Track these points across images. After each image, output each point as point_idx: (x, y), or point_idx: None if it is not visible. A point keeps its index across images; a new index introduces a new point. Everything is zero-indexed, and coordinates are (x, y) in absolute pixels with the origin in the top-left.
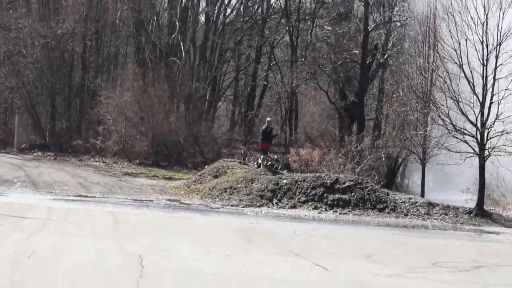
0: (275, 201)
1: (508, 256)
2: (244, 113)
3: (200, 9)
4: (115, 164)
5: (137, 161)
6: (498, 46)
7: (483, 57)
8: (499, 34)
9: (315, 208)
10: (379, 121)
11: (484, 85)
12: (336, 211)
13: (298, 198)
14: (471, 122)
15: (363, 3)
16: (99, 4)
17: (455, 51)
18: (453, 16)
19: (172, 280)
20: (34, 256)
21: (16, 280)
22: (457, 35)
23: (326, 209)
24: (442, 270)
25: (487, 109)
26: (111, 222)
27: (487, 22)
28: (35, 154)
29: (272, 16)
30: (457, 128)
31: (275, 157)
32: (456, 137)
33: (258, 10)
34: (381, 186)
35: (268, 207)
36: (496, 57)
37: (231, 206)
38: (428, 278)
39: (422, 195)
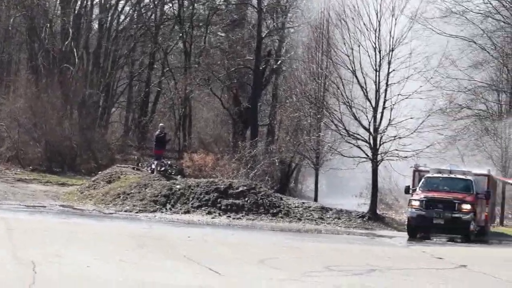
0: (168, 206)
1: (400, 259)
2: (137, 119)
3: (93, 16)
4: (8, 171)
5: (31, 167)
6: (390, 52)
7: (375, 63)
8: (391, 40)
9: (209, 213)
10: (273, 126)
11: (377, 90)
12: (229, 216)
13: (192, 204)
14: (364, 127)
15: (256, 10)
16: None
17: (348, 57)
18: (346, 23)
19: (66, 287)
20: None
21: None
22: (350, 41)
23: (219, 214)
24: (335, 274)
25: (380, 114)
26: (4, 228)
27: (379, 29)
28: None
29: (166, 23)
30: (350, 133)
31: (169, 162)
32: (349, 142)
33: (152, 17)
34: (274, 191)
35: (162, 212)
36: (389, 63)
37: (125, 211)
38: (321, 282)
39: (316, 199)
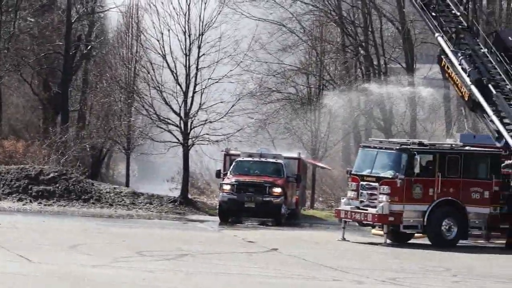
0: None
1: (212, 244)
2: None
3: None
4: None
5: None
6: (200, 36)
7: (185, 47)
8: (201, 24)
9: (20, 200)
10: (84, 112)
11: (187, 74)
12: (41, 203)
13: (2, 190)
14: (174, 111)
15: None
16: None
17: (158, 41)
18: (156, 7)
19: None
20: None
21: None
22: (160, 25)
23: (31, 201)
24: (146, 259)
25: (191, 99)
26: None
27: (189, 13)
28: None
29: None
30: (161, 118)
31: None
32: (160, 127)
33: None
34: (86, 177)
35: None
36: (199, 47)
37: None
38: (132, 268)
39: (127, 185)
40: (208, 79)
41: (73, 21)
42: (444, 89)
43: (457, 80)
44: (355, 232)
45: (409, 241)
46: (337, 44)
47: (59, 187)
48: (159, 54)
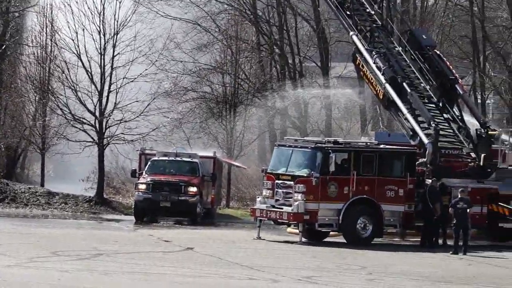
0: None
1: (127, 243)
2: None
3: None
4: None
5: None
6: (115, 36)
7: (100, 46)
8: (116, 23)
9: None
10: None
11: (102, 74)
12: None
13: None
14: (89, 111)
15: None
16: None
17: (73, 40)
18: (70, 6)
19: None
20: None
21: None
22: (75, 24)
23: None
24: (62, 259)
25: (106, 98)
26: None
27: (104, 12)
28: None
29: None
30: (76, 117)
31: None
32: (75, 127)
33: None
34: (0, 177)
35: None
36: (114, 46)
37: None
38: (48, 268)
39: (42, 184)
40: (123, 78)
41: None
42: (359, 88)
43: (371, 79)
44: (270, 230)
45: (325, 240)
46: (252, 43)
47: None
48: (74, 53)
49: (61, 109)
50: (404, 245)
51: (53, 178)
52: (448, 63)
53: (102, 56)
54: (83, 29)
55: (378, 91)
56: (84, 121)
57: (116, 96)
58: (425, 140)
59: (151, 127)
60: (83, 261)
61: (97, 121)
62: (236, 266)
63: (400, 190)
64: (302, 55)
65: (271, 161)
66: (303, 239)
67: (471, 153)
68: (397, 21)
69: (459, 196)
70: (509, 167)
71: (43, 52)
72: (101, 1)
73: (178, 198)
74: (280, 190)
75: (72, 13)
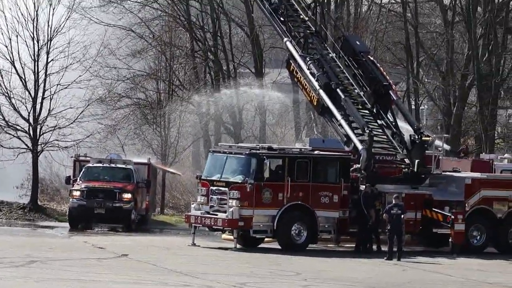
0: None
1: (62, 250)
2: None
3: None
4: None
5: None
6: (49, 42)
7: (34, 53)
8: (49, 30)
9: None
10: None
11: (36, 80)
12: None
13: None
14: (23, 117)
15: None
16: None
17: (6, 47)
18: (3, 12)
19: None
20: None
21: None
22: (8, 31)
23: None
24: None
25: (39, 105)
26: None
27: (37, 18)
28: None
29: None
30: (10, 124)
31: None
32: (9, 133)
33: None
34: None
35: None
36: (47, 53)
37: None
38: None
39: None
40: (57, 84)
41: None
42: (293, 94)
43: (305, 85)
44: (205, 237)
45: (259, 246)
46: (186, 49)
47: None
48: (7, 60)
49: None
50: (339, 251)
51: None
52: (382, 69)
53: (36, 63)
54: (17, 36)
55: (312, 97)
56: (18, 127)
57: (50, 103)
58: (359, 146)
59: (85, 134)
60: (17, 268)
61: (31, 127)
62: (171, 272)
63: (335, 196)
64: (236, 61)
65: (206, 168)
66: (238, 246)
67: (405, 159)
68: (331, 28)
69: (394, 202)
70: (443, 173)
71: None
72: (34, 8)
73: (112, 204)
74: (214, 197)
75: (6, 19)
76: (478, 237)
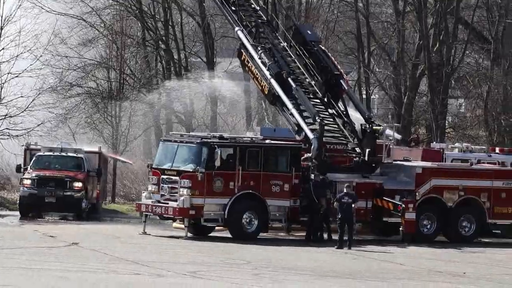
0: None
1: (12, 239)
2: None
3: None
4: None
5: None
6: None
7: None
8: (0, 19)
9: None
10: None
11: None
12: None
13: None
14: None
15: None
16: None
17: None
18: None
19: None
20: None
21: None
22: None
23: None
24: None
25: None
26: None
27: None
28: None
29: None
30: None
31: None
32: None
33: None
34: None
35: None
36: None
37: None
38: None
39: None
40: (8, 73)
41: None
42: (245, 83)
43: (257, 74)
44: (156, 226)
45: (210, 234)
46: (138, 38)
47: None
48: None
49: None
50: (290, 240)
51: None
52: (333, 59)
53: None
54: None
55: (263, 87)
56: None
57: (0, 92)
58: (310, 135)
59: (36, 123)
60: None
61: None
62: (121, 261)
63: (286, 185)
64: (187, 51)
65: (157, 156)
66: (189, 234)
67: (356, 148)
68: (283, 17)
69: (345, 191)
70: (394, 162)
71: None
72: None
73: (63, 193)
74: (165, 185)
75: None
76: (429, 226)
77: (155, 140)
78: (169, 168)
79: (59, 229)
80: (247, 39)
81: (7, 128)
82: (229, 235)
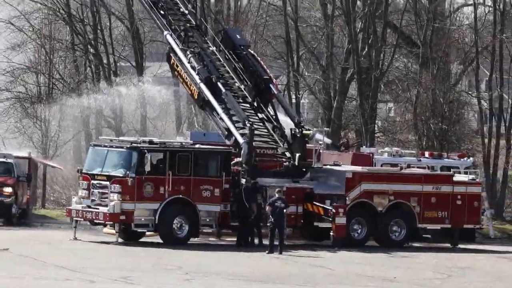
0: None
1: None
2: None
3: None
4: None
5: None
6: None
7: None
8: None
9: None
10: None
11: None
12: None
13: None
14: None
15: None
16: None
17: None
18: None
19: None
20: None
21: None
22: None
23: None
24: None
25: None
26: None
27: None
28: None
29: None
30: None
31: None
32: None
33: None
34: None
35: None
36: None
37: None
38: None
39: None
40: None
41: None
42: (174, 87)
43: (186, 78)
44: (87, 231)
45: (141, 240)
46: (67, 42)
47: None
48: None
49: None
50: (220, 245)
51: None
52: (262, 63)
53: None
54: None
55: (193, 91)
56: None
57: None
58: (240, 139)
59: None
60: None
61: None
62: (52, 267)
63: (216, 190)
64: (117, 55)
65: (87, 161)
66: (120, 240)
67: (286, 153)
68: (211, 21)
69: (277, 196)
70: (324, 167)
71: None
72: None
73: None
74: (96, 191)
75: None
76: (359, 230)
77: (85, 145)
78: (99, 173)
79: None
80: (176, 43)
81: None
82: (160, 240)
